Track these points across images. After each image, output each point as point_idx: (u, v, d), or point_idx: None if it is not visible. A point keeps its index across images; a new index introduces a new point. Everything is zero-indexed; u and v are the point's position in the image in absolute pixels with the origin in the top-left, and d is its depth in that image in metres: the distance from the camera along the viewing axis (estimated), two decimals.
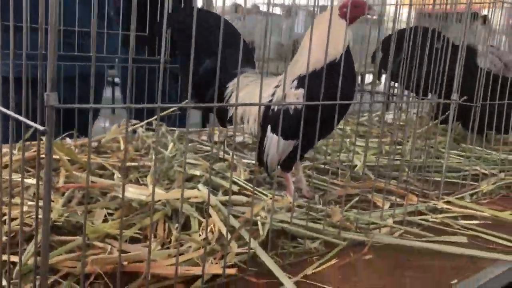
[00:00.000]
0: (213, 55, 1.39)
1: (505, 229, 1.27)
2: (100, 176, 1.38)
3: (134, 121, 1.83)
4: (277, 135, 1.25)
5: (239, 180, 1.39)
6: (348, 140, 2.00)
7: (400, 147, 1.91)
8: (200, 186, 1.20)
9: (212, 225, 1.02)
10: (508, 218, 1.34)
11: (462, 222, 1.29)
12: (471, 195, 1.52)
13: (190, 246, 0.98)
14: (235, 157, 1.61)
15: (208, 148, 1.78)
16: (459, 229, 1.25)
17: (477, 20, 3.01)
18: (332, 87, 1.10)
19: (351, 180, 1.59)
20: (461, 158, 1.84)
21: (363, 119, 2.38)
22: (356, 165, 1.70)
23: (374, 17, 1.30)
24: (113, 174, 1.37)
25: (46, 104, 0.65)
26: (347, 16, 1.22)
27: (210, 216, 1.04)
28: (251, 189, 1.35)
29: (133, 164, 1.42)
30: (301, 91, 1.23)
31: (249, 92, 1.35)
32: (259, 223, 1.08)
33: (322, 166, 1.69)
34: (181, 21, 1.41)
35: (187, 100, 0.90)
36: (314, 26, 1.18)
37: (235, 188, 1.30)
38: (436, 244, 1.14)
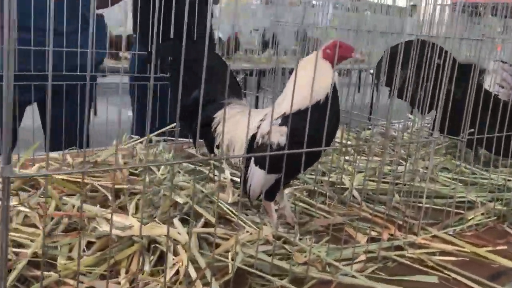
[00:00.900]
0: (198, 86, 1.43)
1: (480, 268, 1.28)
2: (93, 198, 1.45)
3: (135, 137, 1.89)
4: (260, 168, 1.30)
5: (223, 205, 1.44)
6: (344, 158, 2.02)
7: (397, 167, 1.92)
8: (175, 221, 1.24)
9: (180, 263, 1.07)
10: (486, 255, 1.35)
11: (438, 259, 1.31)
12: (456, 226, 1.52)
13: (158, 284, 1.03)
14: (225, 178, 1.66)
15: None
16: (433, 267, 1.27)
17: None
18: (315, 128, 1.17)
19: (341, 204, 1.62)
20: (454, 182, 1.83)
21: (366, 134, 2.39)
22: (347, 188, 1.72)
23: (355, 57, 1.32)
24: (105, 196, 1.44)
25: (1, 175, 0.70)
26: (332, 57, 1.26)
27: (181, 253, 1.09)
28: (236, 215, 1.42)
29: (124, 186, 1.48)
30: (284, 128, 1.27)
31: (236, 122, 1.39)
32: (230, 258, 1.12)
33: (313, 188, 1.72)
34: (172, 52, 1.46)
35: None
36: (299, 68, 1.22)
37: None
38: (403, 286, 1.16)
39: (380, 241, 1.33)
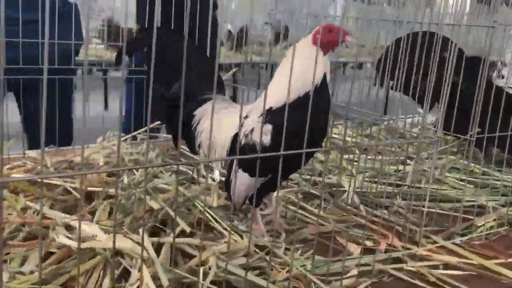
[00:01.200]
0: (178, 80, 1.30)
1: (490, 284, 1.14)
2: (64, 202, 1.33)
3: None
4: (243, 171, 1.17)
5: (206, 209, 1.32)
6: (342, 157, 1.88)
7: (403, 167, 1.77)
8: (141, 231, 1.11)
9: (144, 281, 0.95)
10: (496, 269, 1.20)
11: (442, 273, 1.16)
12: (463, 234, 1.38)
13: None
14: (210, 180, 1.53)
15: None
16: (435, 283, 1.13)
17: None
18: (301, 123, 1.02)
19: (337, 208, 1.48)
20: (462, 183, 1.67)
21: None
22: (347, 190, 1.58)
23: (350, 40, 1.17)
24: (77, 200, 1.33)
25: None
26: (323, 43, 1.12)
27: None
28: (218, 222, 1.30)
29: (98, 189, 1.37)
30: (268, 127, 1.14)
31: (218, 120, 1.25)
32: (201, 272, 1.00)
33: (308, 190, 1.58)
34: (143, 44, 1.33)
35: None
36: (287, 57, 1.09)
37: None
38: None
39: (376, 252, 1.19)
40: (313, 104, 1.04)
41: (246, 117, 1.20)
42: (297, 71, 1.04)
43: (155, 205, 1.23)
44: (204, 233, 1.25)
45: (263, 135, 1.13)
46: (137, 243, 1.03)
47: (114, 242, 0.81)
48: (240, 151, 1.14)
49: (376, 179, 1.69)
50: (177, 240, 1.13)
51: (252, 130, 1.16)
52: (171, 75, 1.26)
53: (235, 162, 1.19)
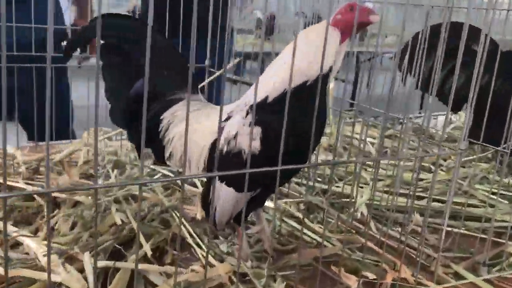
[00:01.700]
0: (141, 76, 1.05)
1: None
2: (27, 208, 1.17)
3: (105, 129, 1.60)
4: (227, 185, 0.94)
5: (182, 223, 1.13)
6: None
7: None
8: (85, 255, 0.92)
9: None
10: None
11: None
12: (492, 264, 1.14)
13: None
14: (194, 189, 1.34)
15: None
16: None
17: None
18: (298, 120, 0.84)
19: (343, 224, 1.27)
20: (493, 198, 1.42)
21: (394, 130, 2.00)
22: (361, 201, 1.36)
23: (375, 21, 0.94)
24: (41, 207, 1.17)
25: None
26: (344, 24, 0.91)
27: None
28: (197, 241, 1.11)
29: (63, 196, 1.20)
30: (258, 128, 0.90)
31: (192, 125, 0.97)
32: None
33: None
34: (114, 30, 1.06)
35: None
36: (297, 38, 0.88)
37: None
38: None
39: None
40: (310, 97, 0.84)
41: (228, 118, 0.97)
42: (298, 56, 0.80)
43: (118, 220, 1.05)
44: (178, 253, 1.07)
45: (250, 139, 0.89)
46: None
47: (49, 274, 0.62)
48: (222, 161, 0.87)
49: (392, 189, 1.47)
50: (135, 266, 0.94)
51: (236, 134, 0.93)
52: (133, 72, 1.05)
53: (217, 180, 0.95)
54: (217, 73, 1.63)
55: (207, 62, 1.63)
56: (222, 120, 0.90)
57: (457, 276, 1.09)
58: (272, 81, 0.92)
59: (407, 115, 1.43)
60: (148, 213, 1.17)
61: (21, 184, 1.24)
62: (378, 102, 1.25)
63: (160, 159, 1.08)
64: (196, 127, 1.00)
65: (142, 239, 1.04)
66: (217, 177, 0.94)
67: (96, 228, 0.74)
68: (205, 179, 1.06)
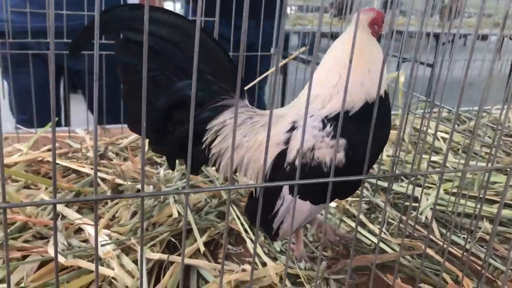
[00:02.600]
0: (182, 78, 0.93)
1: None
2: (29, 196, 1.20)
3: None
4: (302, 199, 0.89)
5: (238, 217, 1.13)
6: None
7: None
8: (139, 251, 0.94)
9: None
10: None
11: None
12: None
13: None
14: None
15: None
16: None
17: None
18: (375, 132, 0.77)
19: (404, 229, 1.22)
20: None
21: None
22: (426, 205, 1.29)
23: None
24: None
25: None
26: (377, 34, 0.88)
27: None
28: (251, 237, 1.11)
29: (128, 183, 1.23)
30: (341, 141, 0.85)
31: (246, 137, 0.94)
32: None
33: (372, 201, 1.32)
34: (131, 23, 0.87)
35: None
36: (343, 43, 0.85)
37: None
38: None
39: None
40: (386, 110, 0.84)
41: (292, 128, 0.90)
42: (362, 69, 0.83)
43: (175, 212, 1.07)
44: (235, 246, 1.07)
45: (332, 151, 0.85)
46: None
47: (96, 269, 0.64)
48: (293, 174, 0.80)
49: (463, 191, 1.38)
50: (188, 261, 0.96)
51: (313, 147, 0.87)
52: (166, 76, 0.93)
53: (285, 189, 0.90)
54: (286, 60, 1.59)
55: (273, 50, 1.60)
56: (286, 130, 0.90)
57: None
58: (337, 93, 0.88)
59: (482, 107, 1.33)
60: (206, 205, 1.18)
61: (87, 170, 1.28)
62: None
63: (196, 171, 1.04)
64: (255, 138, 0.93)
65: (196, 232, 1.05)
66: (286, 190, 0.90)
67: (142, 250, 0.75)
68: (252, 191, 0.98)
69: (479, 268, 1.06)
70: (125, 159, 1.42)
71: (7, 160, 1.30)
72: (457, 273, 1.03)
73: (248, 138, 0.92)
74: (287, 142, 0.89)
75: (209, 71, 0.91)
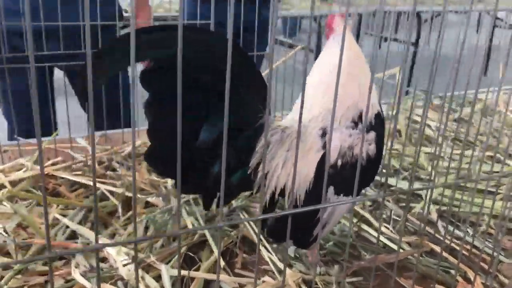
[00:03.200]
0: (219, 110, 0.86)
1: None
2: (102, 208, 1.23)
3: None
4: (345, 195, 0.93)
5: (250, 226, 1.15)
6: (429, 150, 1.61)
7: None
8: (163, 269, 0.96)
9: None
10: None
11: None
12: None
13: None
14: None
15: None
16: None
17: None
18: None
19: (409, 225, 1.26)
20: None
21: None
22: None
23: None
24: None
25: None
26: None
27: None
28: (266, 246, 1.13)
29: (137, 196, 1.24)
30: (372, 134, 0.95)
31: (289, 151, 0.93)
32: None
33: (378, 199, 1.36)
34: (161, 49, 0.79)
35: None
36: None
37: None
38: None
39: None
40: None
41: (324, 133, 0.94)
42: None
43: (189, 225, 1.09)
44: (247, 256, 1.10)
45: (367, 144, 0.94)
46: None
47: None
48: (337, 175, 0.92)
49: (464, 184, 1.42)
50: (208, 276, 0.98)
51: (351, 145, 0.93)
52: (197, 106, 0.86)
53: (331, 191, 0.93)
54: (280, 61, 1.60)
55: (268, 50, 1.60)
56: (320, 136, 0.94)
57: None
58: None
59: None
60: (216, 214, 1.20)
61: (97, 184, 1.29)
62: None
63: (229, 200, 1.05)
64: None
65: (212, 244, 1.07)
66: (332, 191, 0.93)
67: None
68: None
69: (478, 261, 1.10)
70: (129, 168, 1.43)
71: (12, 177, 1.30)
72: (465, 270, 1.07)
73: (291, 152, 0.93)
74: (324, 147, 0.93)
75: (245, 93, 0.87)
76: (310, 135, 0.94)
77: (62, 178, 1.33)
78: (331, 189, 0.93)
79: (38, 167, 1.36)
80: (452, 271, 1.07)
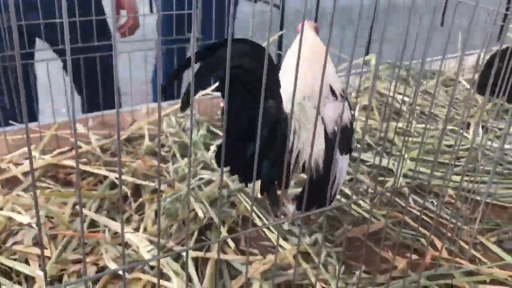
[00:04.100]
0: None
1: None
2: (115, 194, 1.35)
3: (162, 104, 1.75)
4: (345, 154, 1.16)
5: (250, 206, 1.31)
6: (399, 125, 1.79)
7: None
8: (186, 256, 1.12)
9: None
10: None
11: None
12: None
13: None
14: None
15: None
16: None
17: None
18: None
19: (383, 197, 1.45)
20: None
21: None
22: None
23: None
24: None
25: None
26: None
27: None
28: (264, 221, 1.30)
29: (144, 182, 1.38)
30: (346, 103, 1.19)
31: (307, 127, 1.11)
32: None
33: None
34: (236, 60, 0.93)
35: None
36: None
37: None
38: None
39: (421, 266, 1.16)
40: None
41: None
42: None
43: (200, 213, 1.24)
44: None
45: (347, 110, 1.16)
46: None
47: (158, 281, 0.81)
48: (342, 140, 1.13)
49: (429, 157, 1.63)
50: (222, 256, 1.15)
51: (339, 114, 1.05)
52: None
53: (337, 153, 1.09)
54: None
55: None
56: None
57: (485, 248, 1.28)
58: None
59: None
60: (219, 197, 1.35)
61: (103, 172, 1.41)
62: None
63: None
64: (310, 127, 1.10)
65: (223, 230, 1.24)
66: (338, 153, 1.11)
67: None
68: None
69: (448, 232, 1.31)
70: (128, 153, 1.55)
71: (23, 169, 1.40)
72: (432, 238, 1.28)
73: (305, 132, 1.11)
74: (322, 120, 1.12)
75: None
76: (310, 113, 1.11)
77: (72, 167, 1.43)
78: (337, 152, 1.11)
79: (45, 157, 1.47)
80: (423, 240, 1.28)
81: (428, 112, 1.17)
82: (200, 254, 1.14)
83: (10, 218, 1.21)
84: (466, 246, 1.25)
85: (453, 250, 1.23)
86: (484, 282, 1.17)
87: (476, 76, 2.07)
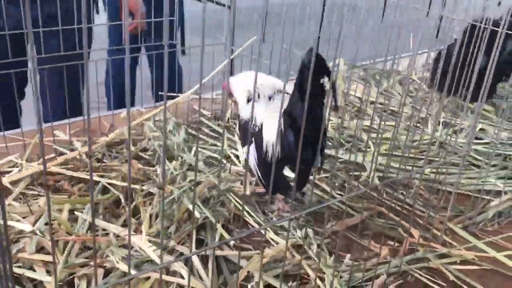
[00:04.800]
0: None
1: (505, 281, 1.27)
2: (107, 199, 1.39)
3: (139, 109, 1.79)
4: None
5: (239, 204, 1.39)
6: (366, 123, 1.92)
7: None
8: (194, 257, 1.19)
9: None
10: (507, 263, 1.32)
11: (458, 270, 1.28)
12: (477, 222, 1.48)
13: None
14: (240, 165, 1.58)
15: None
16: (453, 281, 1.25)
17: None
18: None
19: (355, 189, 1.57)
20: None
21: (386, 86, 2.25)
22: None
23: None
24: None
25: None
26: None
27: None
28: (254, 217, 1.38)
29: (136, 186, 1.42)
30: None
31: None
32: None
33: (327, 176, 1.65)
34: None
35: None
36: None
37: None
38: None
39: (402, 251, 1.29)
40: None
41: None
42: None
43: (196, 214, 1.31)
44: (240, 229, 1.34)
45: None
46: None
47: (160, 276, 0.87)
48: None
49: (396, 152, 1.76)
50: (219, 253, 1.23)
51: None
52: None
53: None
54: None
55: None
56: None
57: (453, 232, 1.43)
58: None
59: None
60: (210, 197, 1.42)
61: (95, 178, 1.44)
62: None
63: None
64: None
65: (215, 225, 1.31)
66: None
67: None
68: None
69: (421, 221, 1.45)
70: (116, 157, 1.59)
71: (11, 178, 1.41)
72: (407, 227, 1.41)
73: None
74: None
75: None
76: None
77: (60, 174, 1.46)
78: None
79: (33, 164, 1.48)
80: (400, 229, 1.40)
81: (384, 110, 1.30)
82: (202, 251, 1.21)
83: (8, 227, 1.22)
84: (438, 233, 1.39)
85: (428, 237, 1.36)
86: (455, 263, 1.31)
87: (428, 75, 2.24)
